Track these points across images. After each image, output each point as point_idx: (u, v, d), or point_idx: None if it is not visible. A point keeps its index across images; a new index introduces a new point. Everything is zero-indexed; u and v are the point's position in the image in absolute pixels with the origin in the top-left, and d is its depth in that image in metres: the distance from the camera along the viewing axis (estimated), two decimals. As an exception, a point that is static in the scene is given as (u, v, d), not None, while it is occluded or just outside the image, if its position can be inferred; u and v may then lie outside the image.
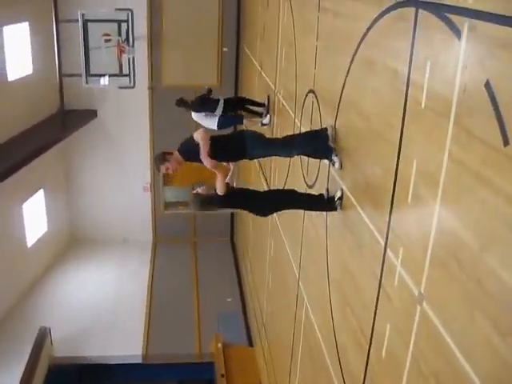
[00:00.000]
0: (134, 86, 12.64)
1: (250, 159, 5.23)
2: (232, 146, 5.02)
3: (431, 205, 3.09)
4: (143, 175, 14.85)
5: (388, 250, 3.79)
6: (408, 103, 3.47)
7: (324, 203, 5.08)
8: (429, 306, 3.13)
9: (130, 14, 11.77)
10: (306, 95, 6.23)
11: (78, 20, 11.55)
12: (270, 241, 9.14)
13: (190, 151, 4.85)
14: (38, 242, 12.97)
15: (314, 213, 5.80)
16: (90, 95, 13.56)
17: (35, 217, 12.75)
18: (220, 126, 8.77)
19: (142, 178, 14.89)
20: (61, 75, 11.76)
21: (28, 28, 11.68)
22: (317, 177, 5.81)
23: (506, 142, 2.38)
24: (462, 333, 2.75)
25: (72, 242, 14.89)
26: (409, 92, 3.46)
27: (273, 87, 8.82)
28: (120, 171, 14.64)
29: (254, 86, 11.09)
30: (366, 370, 4.25)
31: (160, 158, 4.97)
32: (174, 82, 14.10)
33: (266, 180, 9.51)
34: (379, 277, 3.94)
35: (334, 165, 4.97)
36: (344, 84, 4.84)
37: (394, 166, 3.65)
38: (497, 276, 2.44)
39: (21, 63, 11.54)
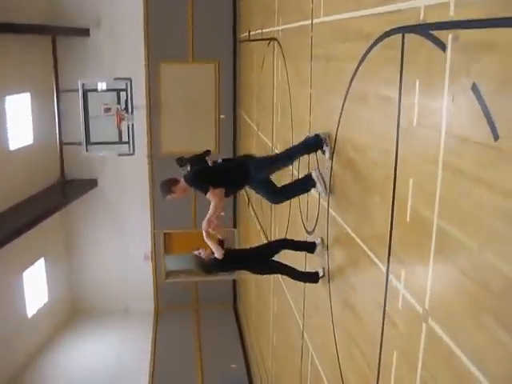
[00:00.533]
0: (133, 153, 12.85)
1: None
2: (235, 175, 5.11)
3: (430, 219, 3.09)
4: (144, 243, 14.80)
5: (390, 275, 3.75)
6: (401, 125, 3.55)
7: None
8: (434, 321, 3.07)
9: (128, 83, 12.14)
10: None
11: (77, 90, 11.88)
12: (273, 298, 9.02)
13: (197, 184, 4.95)
14: (39, 312, 12.77)
15: (314, 256, 5.76)
16: (90, 164, 13.76)
17: (35, 286, 12.62)
18: None
19: (143, 247, 14.83)
20: (61, 144, 11.98)
21: (29, 98, 12.00)
22: (316, 222, 5.82)
23: (496, 137, 2.42)
24: (470, 340, 2.69)
25: (73, 312, 14.66)
26: (401, 114, 3.54)
27: (270, 144, 8.97)
28: (121, 240, 14.61)
29: (252, 147, 11.28)
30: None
31: (166, 188, 5.03)
32: (173, 149, 14.32)
33: (267, 238, 9.50)
34: (383, 304, 3.87)
35: (324, 153, 5.13)
36: (338, 123, 4.94)
37: (391, 188, 3.68)
38: (499, 272, 2.41)
39: (22, 133, 11.77)
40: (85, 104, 12.09)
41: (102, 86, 12.50)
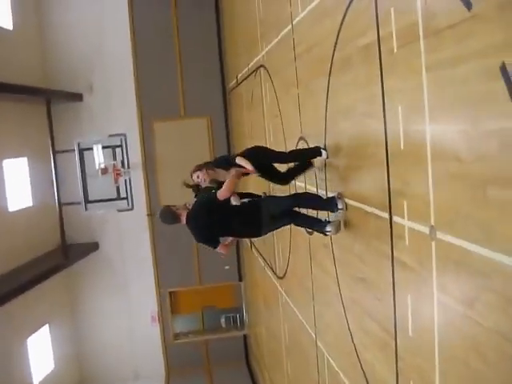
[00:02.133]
0: (132, 208, 12.87)
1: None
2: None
3: (422, 130, 3.09)
4: (150, 304, 14.51)
5: (394, 217, 3.68)
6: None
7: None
8: (442, 231, 2.99)
9: (123, 138, 12.35)
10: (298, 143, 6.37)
11: (73, 150, 12.06)
12: (284, 326, 8.75)
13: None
14: (45, 380, 12.32)
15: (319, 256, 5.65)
16: (90, 227, 13.73)
17: (41, 353, 12.25)
18: None
19: (149, 307, 14.52)
20: (60, 205, 12.00)
21: (27, 163, 12.15)
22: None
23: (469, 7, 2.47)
24: (480, 224, 2.62)
25: (81, 379, 14.17)
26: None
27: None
28: (126, 302, 14.34)
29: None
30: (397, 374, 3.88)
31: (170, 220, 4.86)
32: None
33: (273, 271, 9.35)
34: (390, 252, 3.77)
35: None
36: (326, 106, 5.01)
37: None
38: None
39: (21, 195, 11.83)
40: (81, 163, 12.22)
41: (97, 147, 12.64)
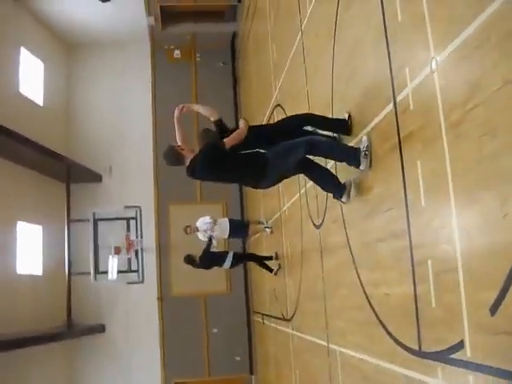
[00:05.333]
0: (142, 282, 12.55)
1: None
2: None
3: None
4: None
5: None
6: None
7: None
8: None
9: (138, 210, 12.40)
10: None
11: (88, 220, 12.09)
12: (295, 371, 8.02)
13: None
14: None
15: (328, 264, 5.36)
16: (98, 307, 13.35)
17: None
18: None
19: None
20: (70, 274, 11.81)
21: (41, 231, 12.16)
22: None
23: None
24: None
25: None
26: None
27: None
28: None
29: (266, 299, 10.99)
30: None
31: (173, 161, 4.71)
32: (183, 291, 14.02)
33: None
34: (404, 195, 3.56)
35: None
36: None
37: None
38: None
39: (31, 262, 11.70)
40: (95, 233, 12.19)
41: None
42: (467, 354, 2.74)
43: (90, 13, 12.92)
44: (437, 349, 3.07)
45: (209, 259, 9.27)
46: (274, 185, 4.84)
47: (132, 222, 12.61)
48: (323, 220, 5.63)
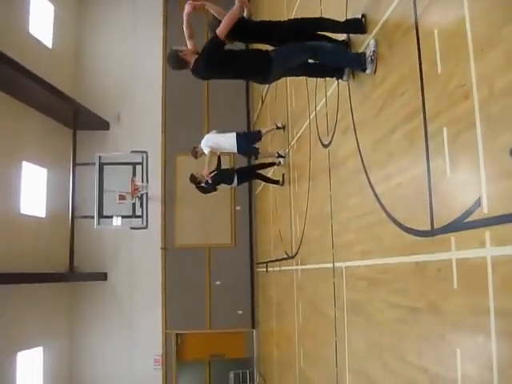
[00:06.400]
0: (146, 227, 12.44)
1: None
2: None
3: None
4: (154, 345, 13.61)
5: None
6: None
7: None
8: None
9: (144, 155, 12.24)
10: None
11: (94, 163, 11.96)
12: (298, 304, 7.87)
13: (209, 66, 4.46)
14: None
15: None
16: (100, 256, 13.30)
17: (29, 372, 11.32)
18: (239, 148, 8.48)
19: (153, 348, 13.61)
20: (73, 218, 11.71)
21: (46, 175, 12.05)
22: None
23: None
24: None
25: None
26: None
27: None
28: (129, 339, 13.49)
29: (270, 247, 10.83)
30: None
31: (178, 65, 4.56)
32: (187, 242, 13.94)
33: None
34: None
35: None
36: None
37: None
38: None
39: (35, 203, 11.61)
40: (100, 177, 12.05)
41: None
42: (484, 210, 2.57)
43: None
44: (450, 220, 2.90)
45: (218, 178, 9.21)
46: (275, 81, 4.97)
47: (138, 168, 12.44)
48: (333, 135, 5.45)
